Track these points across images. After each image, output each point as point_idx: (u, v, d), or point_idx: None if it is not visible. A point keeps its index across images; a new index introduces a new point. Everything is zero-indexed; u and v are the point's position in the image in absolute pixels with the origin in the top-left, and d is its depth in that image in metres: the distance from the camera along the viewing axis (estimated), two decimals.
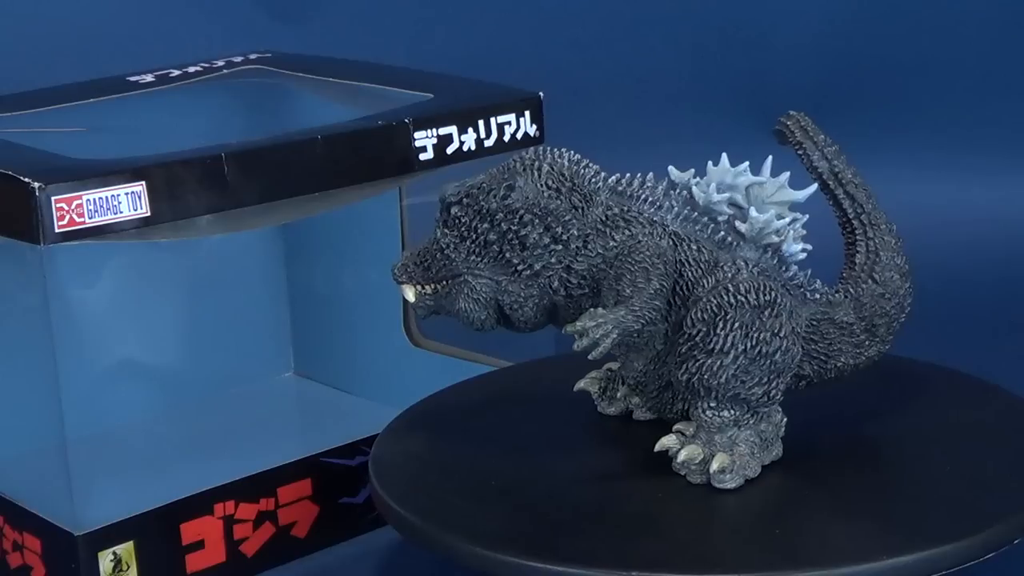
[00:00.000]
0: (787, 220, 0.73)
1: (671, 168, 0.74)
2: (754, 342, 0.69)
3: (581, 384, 0.79)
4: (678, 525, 0.68)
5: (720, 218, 0.72)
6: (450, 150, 0.85)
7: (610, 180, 0.73)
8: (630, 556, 0.65)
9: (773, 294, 0.70)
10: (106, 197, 0.73)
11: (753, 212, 0.72)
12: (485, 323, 0.74)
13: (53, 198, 0.72)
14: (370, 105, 0.88)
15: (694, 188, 0.72)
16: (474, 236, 0.72)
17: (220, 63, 0.99)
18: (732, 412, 0.71)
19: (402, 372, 0.97)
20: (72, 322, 0.90)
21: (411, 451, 0.77)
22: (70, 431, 0.78)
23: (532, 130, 0.88)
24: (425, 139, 0.84)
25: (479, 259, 0.72)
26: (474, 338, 0.95)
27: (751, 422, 0.71)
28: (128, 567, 0.77)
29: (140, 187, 0.74)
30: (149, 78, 0.96)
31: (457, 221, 0.73)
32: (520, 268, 0.72)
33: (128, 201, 0.74)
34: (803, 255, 0.73)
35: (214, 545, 0.80)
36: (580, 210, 0.72)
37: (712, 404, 0.71)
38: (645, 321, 0.70)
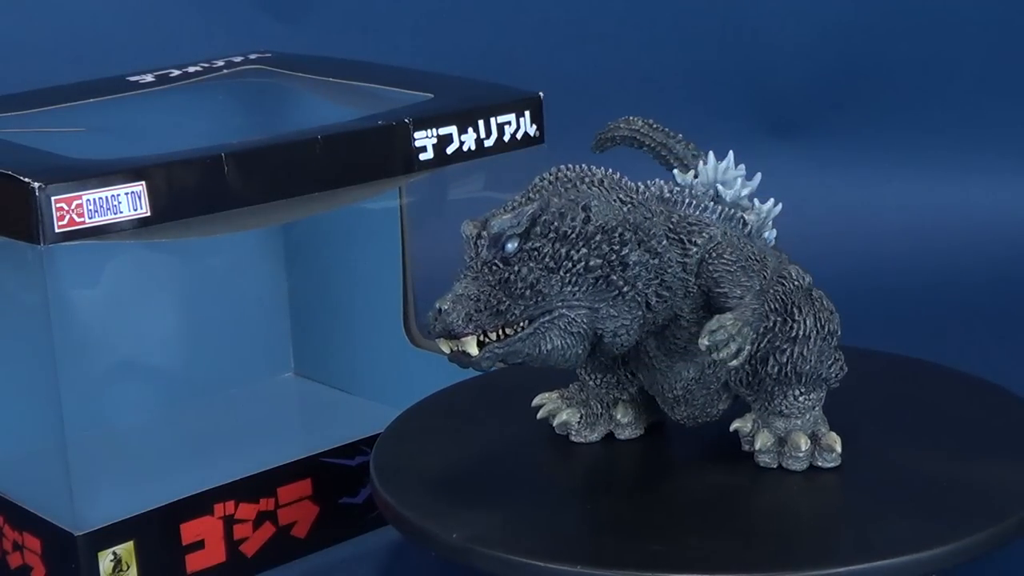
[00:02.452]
0: (773, 207, 0.74)
1: (675, 172, 0.74)
2: (822, 322, 0.71)
3: (562, 418, 0.76)
4: (679, 524, 0.68)
5: (739, 213, 0.72)
6: (450, 150, 0.85)
7: (652, 188, 0.71)
8: (631, 556, 0.65)
9: (808, 276, 0.72)
10: (106, 197, 0.73)
11: (758, 203, 0.73)
12: (580, 357, 0.68)
13: (53, 198, 0.72)
14: (370, 105, 0.88)
15: (720, 187, 0.72)
16: (570, 264, 0.66)
17: (220, 63, 0.99)
18: (817, 394, 0.72)
19: (402, 372, 0.97)
20: (72, 322, 0.90)
21: (411, 451, 0.77)
22: (70, 431, 0.78)
23: (532, 130, 0.88)
24: (425, 139, 0.84)
25: (576, 288, 0.66)
26: None
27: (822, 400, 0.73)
28: (128, 567, 0.77)
29: (140, 187, 0.74)
30: (149, 78, 0.96)
31: (538, 253, 0.66)
32: (625, 289, 0.67)
33: (128, 201, 0.74)
34: (773, 241, 0.75)
35: (214, 545, 0.80)
36: (651, 221, 0.69)
37: (802, 389, 0.72)
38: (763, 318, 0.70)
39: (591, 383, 0.76)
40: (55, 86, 0.95)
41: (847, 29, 1.33)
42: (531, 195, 0.68)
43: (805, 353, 0.71)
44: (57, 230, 0.72)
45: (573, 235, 0.66)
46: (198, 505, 0.79)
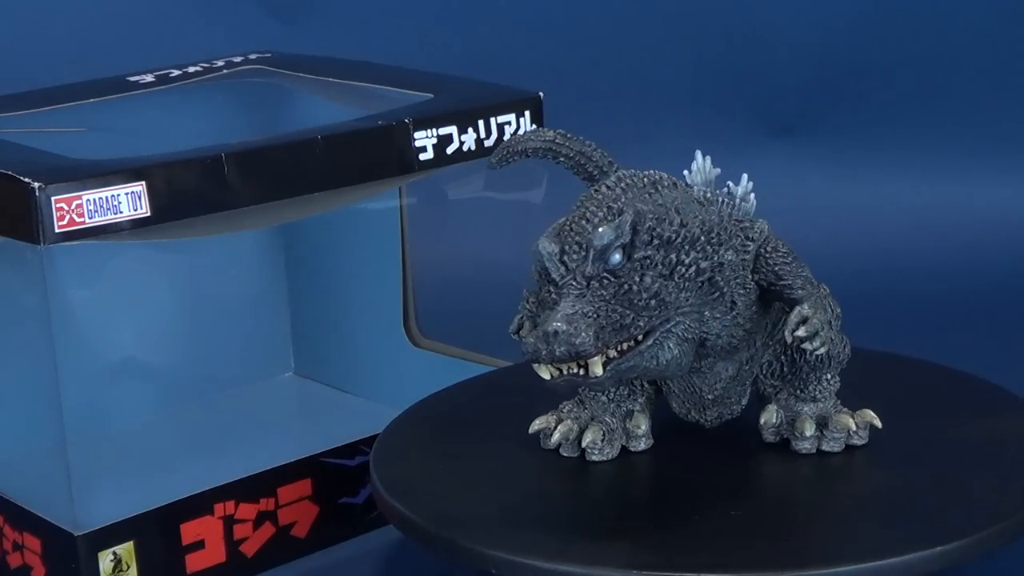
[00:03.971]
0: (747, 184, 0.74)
1: (686, 173, 0.74)
2: (834, 305, 0.71)
3: (588, 438, 0.73)
4: (681, 524, 0.68)
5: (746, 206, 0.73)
6: (450, 150, 0.85)
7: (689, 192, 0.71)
8: (632, 555, 0.65)
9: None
10: (106, 197, 0.73)
11: (751, 198, 0.73)
12: (689, 365, 0.67)
13: (53, 198, 0.72)
14: (370, 105, 0.88)
15: (731, 184, 0.72)
16: (683, 269, 0.65)
17: (220, 63, 0.99)
18: (837, 376, 0.74)
19: (402, 372, 0.97)
20: (72, 322, 0.90)
21: (411, 451, 0.77)
22: (70, 431, 0.78)
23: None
24: (425, 139, 0.84)
25: (689, 293, 0.65)
26: (474, 338, 0.96)
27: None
28: (128, 567, 0.77)
29: (140, 187, 0.74)
30: (149, 78, 0.96)
31: (650, 261, 0.64)
32: (724, 290, 0.67)
33: (128, 201, 0.74)
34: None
35: (214, 545, 0.80)
36: (723, 219, 0.68)
37: (831, 374, 0.73)
38: None
39: (604, 397, 0.74)
40: (55, 86, 0.95)
41: (848, 29, 1.33)
42: (597, 206, 0.66)
43: (834, 336, 0.71)
44: (57, 230, 0.72)
45: (677, 240, 0.65)
46: (198, 505, 0.79)
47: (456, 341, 0.97)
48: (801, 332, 0.67)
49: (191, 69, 0.98)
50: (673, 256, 0.65)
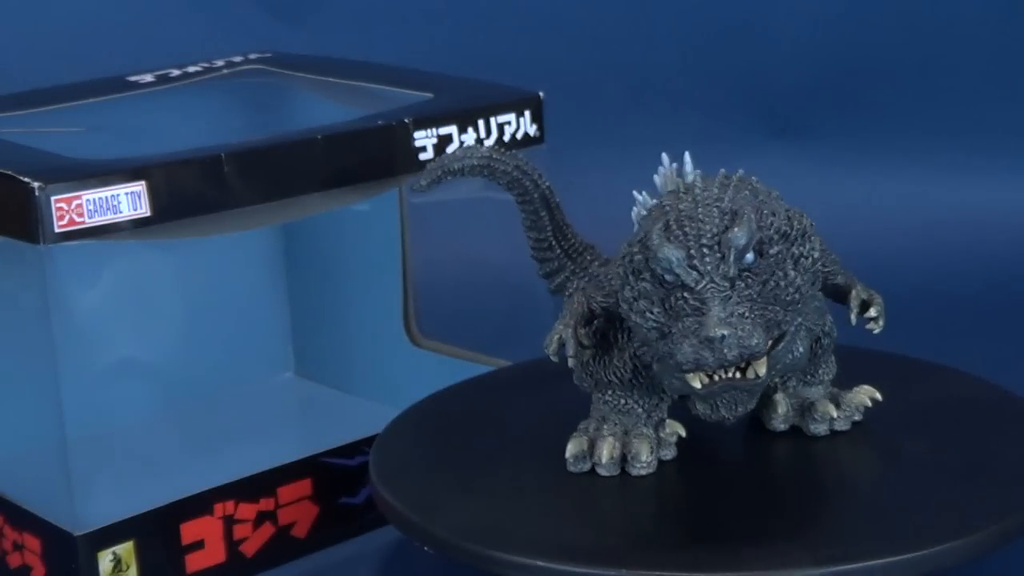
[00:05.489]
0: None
1: (656, 177, 0.74)
2: None
3: (643, 456, 0.71)
4: (681, 524, 0.68)
5: None
6: (450, 150, 0.85)
7: None
8: (632, 555, 0.65)
9: None
10: (106, 197, 0.73)
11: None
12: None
13: (53, 198, 0.72)
14: (370, 105, 0.88)
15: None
16: (808, 263, 0.65)
17: (220, 63, 0.99)
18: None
19: (402, 372, 0.97)
20: (72, 322, 0.90)
21: (411, 451, 0.77)
22: (70, 431, 0.78)
23: (532, 130, 0.88)
24: (425, 139, 0.84)
25: (811, 287, 0.66)
26: (474, 338, 0.96)
27: None
28: (128, 567, 0.77)
29: (140, 187, 0.74)
30: (149, 78, 0.96)
31: (781, 256, 0.64)
32: (820, 283, 0.68)
33: (128, 201, 0.74)
34: None
35: (214, 545, 0.80)
36: None
37: (832, 356, 0.75)
38: None
39: (639, 409, 0.72)
40: (55, 86, 0.95)
41: (848, 29, 1.33)
42: (705, 208, 0.65)
43: (830, 320, 0.73)
44: (57, 230, 0.72)
45: (792, 234, 0.65)
46: (198, 505, 0.79)
47: (456, 341, 0.97)
48: (872, 312, 0.71)
49: (191, 69, 0.98)
50: (795, 249, 0.65)
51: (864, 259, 1.24)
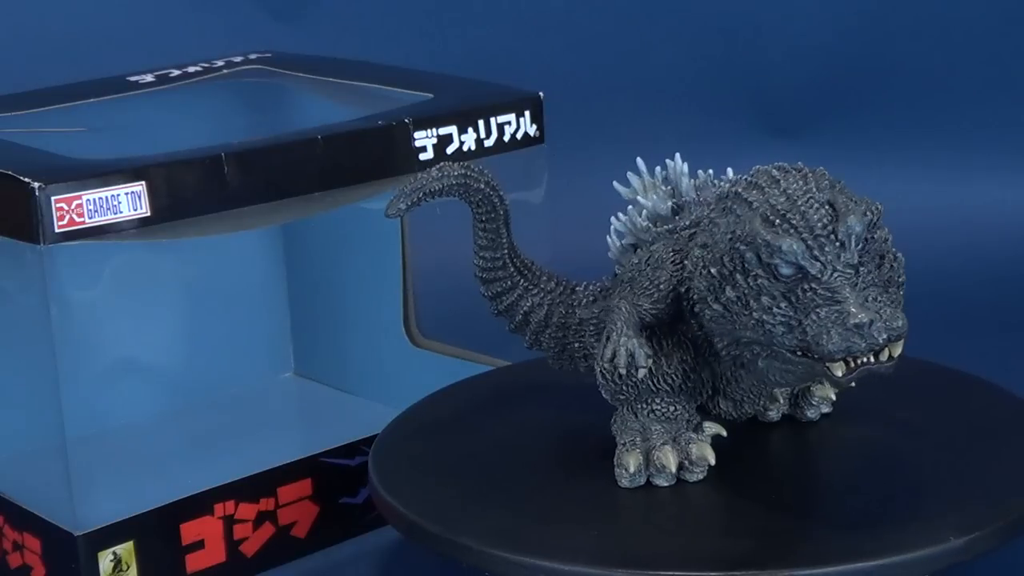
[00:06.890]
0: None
1: (618, 185, 0.74)
2: None
3: (707, 459, 0.71)
4: (680, 524, 0.68)
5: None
6: (450, 150, 0.85)
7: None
8: (632, 555, 0.65)
9: None
10: (106, 197, 0.73)
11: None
12: None
13: (53, 198, 0.72)
14: (370, 105, 0.88)
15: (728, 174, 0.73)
16: (888, 245, 0.66)
17: (220, 63, 0.99)
18: None
19: (402, 372, 0.98)
20: (72, 322, 0.90)
21: (411, 451, 0.77)
22: (70, 431, 0.78)
23: (532, 130, 0.88)
24: (425, 139, 0.84)
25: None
26: (474, 338, 0.96)
27: None
28: (128, 567, 0.77)
29: (140, 187, 0.74)
30: (149, 78, 0.96)
31: (875, 240, 0.65)
32: None
33: (128, 201, 0.74)
34: None
35: (214, 545, 0.80)
36: None
37: None
38: None
39: (685, 414, 0.72)
40: (55, 86, 0.95)
41: (848, 29, 1.33)
42: (804, 198, 0.64)
43: None
44: (57, 230, 0.72)
45: (874, 219, 0.65)
46: (198, 505, 0.79)
47: (456, 341, 0.97)
48: None
49: (191, 69, 0.98)
50: (878, 234, 0.65)
51: None
